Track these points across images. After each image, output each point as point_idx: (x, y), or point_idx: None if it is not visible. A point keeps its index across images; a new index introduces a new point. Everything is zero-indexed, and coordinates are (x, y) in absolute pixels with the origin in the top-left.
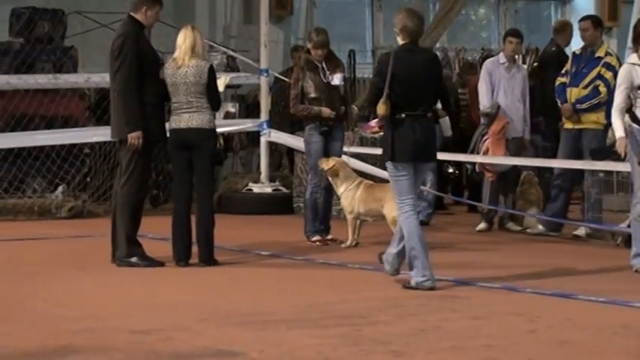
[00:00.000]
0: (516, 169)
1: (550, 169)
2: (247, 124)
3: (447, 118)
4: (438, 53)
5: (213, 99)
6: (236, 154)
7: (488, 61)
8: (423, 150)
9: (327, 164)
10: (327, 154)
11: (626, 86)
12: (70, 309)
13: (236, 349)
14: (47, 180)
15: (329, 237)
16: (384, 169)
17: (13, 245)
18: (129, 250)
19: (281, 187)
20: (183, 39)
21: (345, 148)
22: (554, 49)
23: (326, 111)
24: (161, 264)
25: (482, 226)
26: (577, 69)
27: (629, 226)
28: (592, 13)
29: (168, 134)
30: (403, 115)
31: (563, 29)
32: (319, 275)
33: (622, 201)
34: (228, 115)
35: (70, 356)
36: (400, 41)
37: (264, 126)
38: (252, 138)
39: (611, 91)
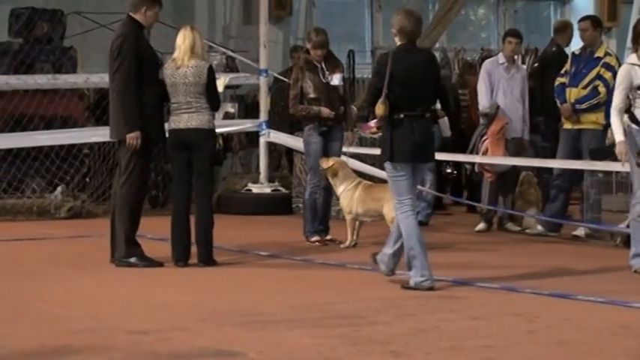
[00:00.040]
0: (515, 170)
1: (549, 170)
2: (246, 125)
3: (445, 118)
4: (438, 53)
5: (212, 99)
6: (235, 155)
7: (487, 62)
8: (422, 150)
9: (326, 163)
10: (326, 154)
11: (625, 86)
12: (69, 309)
13: (235, 349)
14: (46, 180)
15: (328, 237)
16: (383, 169)
17: (12, 245)
18: (128, 250)
19: (280, 188)
20: (183, 39)
21: (344, 149)
22: (554, 49)
23: (325, 111)
24: (160, 264)
25: (481, 226)
26: (576, 69)
27: (628, 226)
28: (591, 13)
29: (167, 134)
30: (402, 116)
31: (564, 29)
32: (318, 275)
33: (621, 201)
34: (227, 116)
35: (69, 356)
36: (398, 42)
37: (264, 126)
38: (251, 138)
39: (610, 92)
